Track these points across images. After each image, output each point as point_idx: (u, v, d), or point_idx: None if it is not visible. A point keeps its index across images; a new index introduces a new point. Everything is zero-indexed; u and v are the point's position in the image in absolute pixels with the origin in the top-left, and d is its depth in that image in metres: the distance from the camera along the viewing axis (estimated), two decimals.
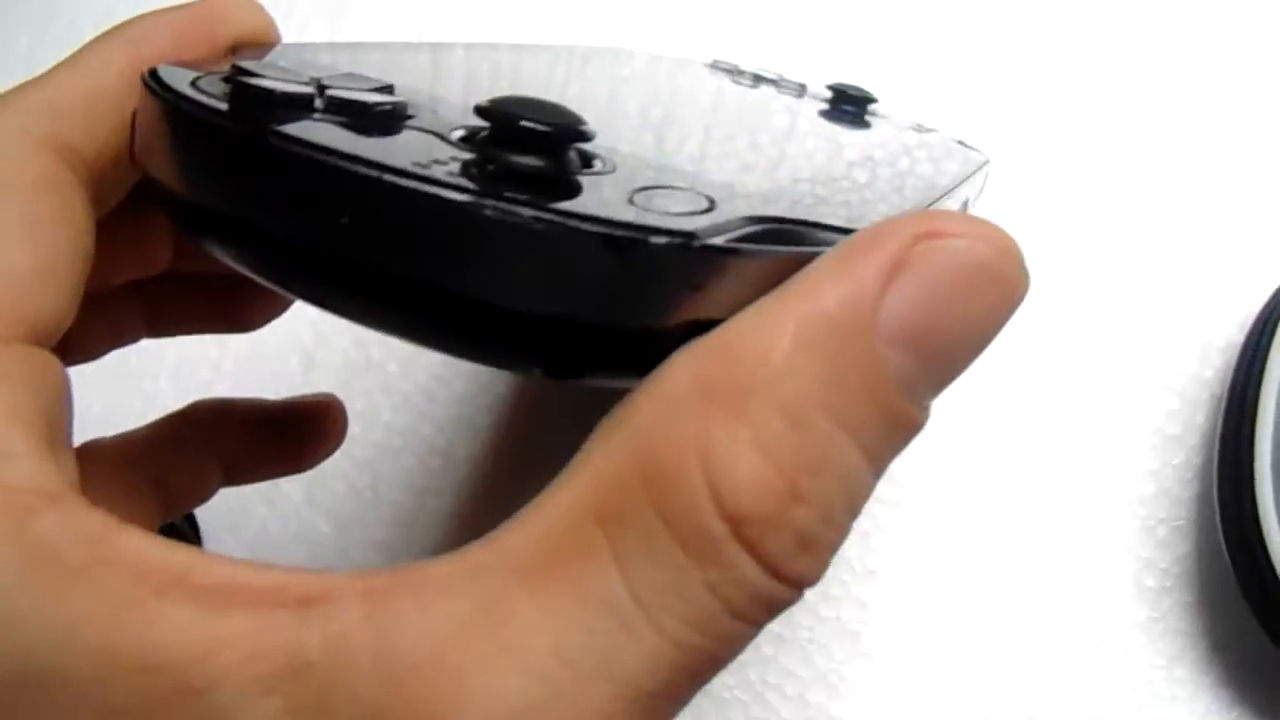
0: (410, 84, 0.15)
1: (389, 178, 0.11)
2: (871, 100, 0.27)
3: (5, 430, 0.11)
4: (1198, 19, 0.33)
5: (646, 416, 0.11)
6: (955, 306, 0.11)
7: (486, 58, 0.20)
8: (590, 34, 0.37)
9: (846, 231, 0.12)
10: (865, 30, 0.35)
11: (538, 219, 0.11)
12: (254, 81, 0.12)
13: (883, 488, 0.19)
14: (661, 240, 0.11)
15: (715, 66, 0.29)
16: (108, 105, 0.15)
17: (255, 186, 0.12)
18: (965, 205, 0.22)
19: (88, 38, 0.15)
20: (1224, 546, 0.24)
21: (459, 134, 0.13)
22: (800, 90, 0.28)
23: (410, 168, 0.11)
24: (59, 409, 0.13)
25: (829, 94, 0.27)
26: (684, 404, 0.11)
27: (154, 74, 0.14)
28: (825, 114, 0.26)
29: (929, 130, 0.27)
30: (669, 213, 0.11)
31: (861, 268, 0.11)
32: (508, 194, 0.11)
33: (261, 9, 0.17)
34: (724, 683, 0.27)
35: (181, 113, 0.13)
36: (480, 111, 0.12)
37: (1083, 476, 0.28)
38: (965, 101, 0.33)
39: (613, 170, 0.13)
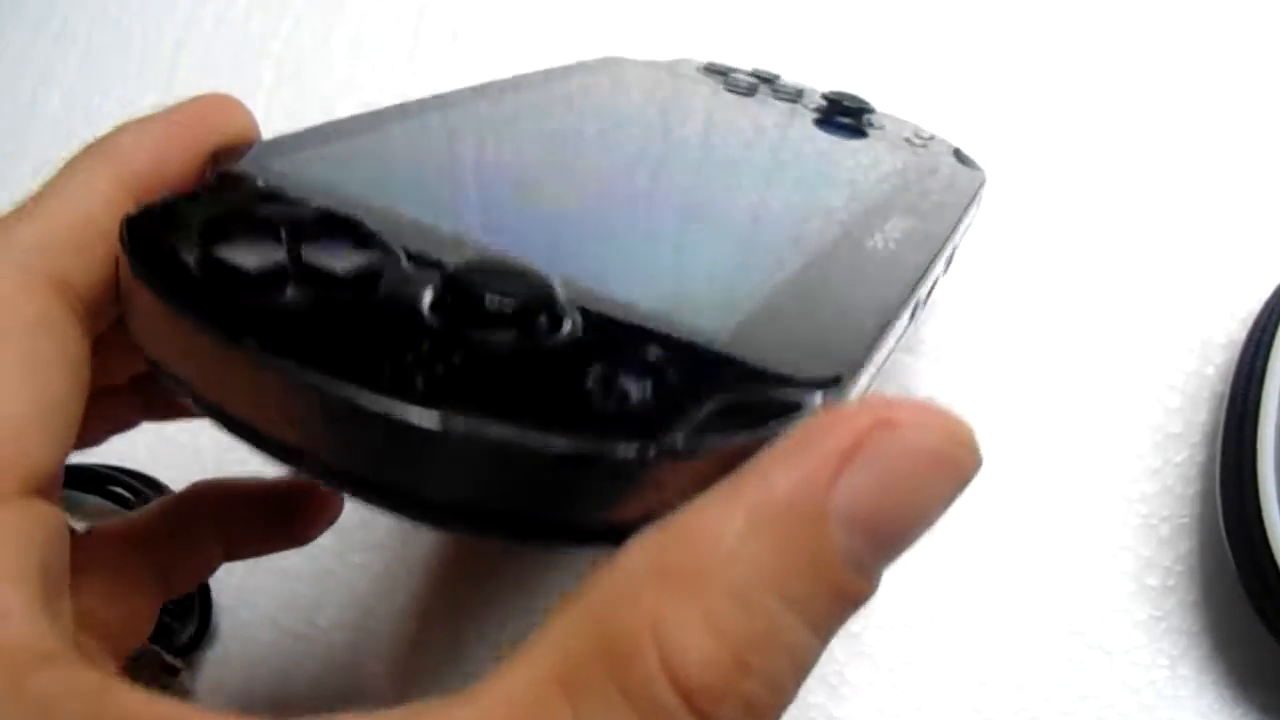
0: (389, 207, 0.15)
1: (361, 401, 0.11)
2: (868, 110, 0.27)
3: (2, 590, 0.12)
4: (1197, 15, 0.33)
5: (606, 594, 0.12)
6: (907, 492, 0.12)
7: (468, 129, 0.20)
8: (584, 32, 0.37)
9: (812, 384, 0.13)
10: (862, 31, 0.35)
11: (504, 444, 0.11)
12: (228, 259, 0.13)
13: None
14: (617, 455, 0.12)
15: (709, 69, 0.29)
16: (97, 233, 0.15)
17: (225, 384, 0.13)
18: (959, 234, 0.22)
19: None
20: (1226, 544, 0.24)
21: (430, 297, 0.13)
22: (796, 95, 0.28)
23: (378, 379, 0.12)
24: (56, 561, 0.13)
25: (824, 104, 0.27)
26: (641, 584, 0.11)
27: (132, 227, 0.14)
28: (820, 124, 0.25)
29: (927, 139, 0.27)
30: (631, 402, 0.12)
31: (814, 457, 0.12)
32: (473, 408, 0.11)
33: (241, 108, 0.17)
34: None
35: (155, 292, 0.13)
36: (448, 281, 0.13)
37: (1084, 474, 0.28)
38: (964, 98, 0.33)
39: (579, 334, 0.13)
